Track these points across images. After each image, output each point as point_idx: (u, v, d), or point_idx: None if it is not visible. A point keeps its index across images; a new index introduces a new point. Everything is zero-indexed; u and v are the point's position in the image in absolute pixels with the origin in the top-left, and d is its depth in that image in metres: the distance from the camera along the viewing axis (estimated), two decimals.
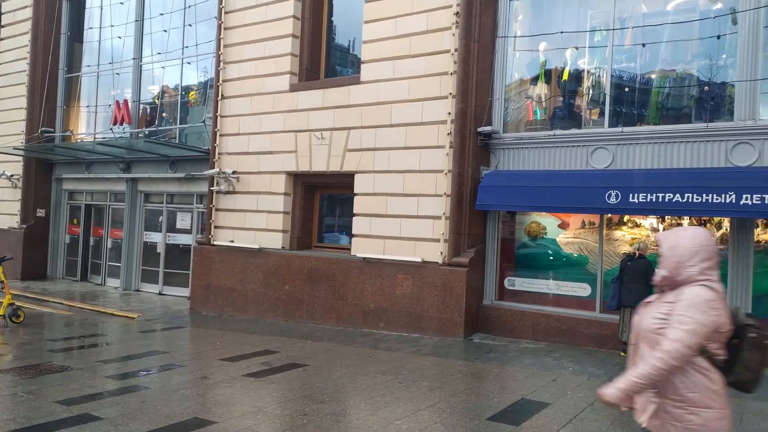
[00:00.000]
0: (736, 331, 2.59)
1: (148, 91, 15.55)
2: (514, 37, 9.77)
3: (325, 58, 11.80)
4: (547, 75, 9.84)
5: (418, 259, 9.64)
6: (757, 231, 7.75)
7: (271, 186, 11.48)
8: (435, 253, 9.53)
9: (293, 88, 11.32)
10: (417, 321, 9.60)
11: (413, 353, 8.23)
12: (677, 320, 2.51)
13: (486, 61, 9.67)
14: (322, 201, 11.85)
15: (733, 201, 7.16)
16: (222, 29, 12.29)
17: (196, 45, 14.03)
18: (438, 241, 9.53)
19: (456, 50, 9.43)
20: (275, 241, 11.37)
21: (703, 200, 7.33)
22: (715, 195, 7.27)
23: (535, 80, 9.96)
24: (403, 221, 9.93)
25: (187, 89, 14.74)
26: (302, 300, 10.86)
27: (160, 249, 14.57)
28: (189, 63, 14.50)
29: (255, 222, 11.64)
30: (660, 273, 2.70)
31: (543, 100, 9.90)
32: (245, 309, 11.55)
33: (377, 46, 10.38)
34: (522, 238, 9.75)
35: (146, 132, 15.03)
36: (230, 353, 8.13)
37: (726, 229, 7.93)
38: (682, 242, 2.64)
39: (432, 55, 9.74)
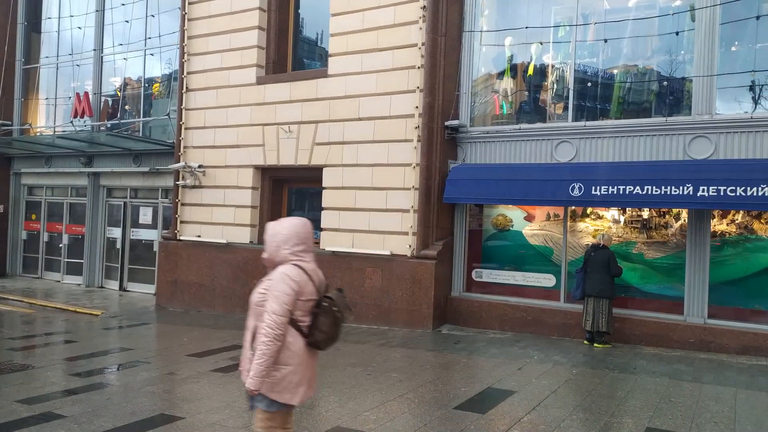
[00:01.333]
0: (318, 302, 3.23)
1: (110, 83, 15.18)
2: (481, 31, 9.87)
3: (292, 51, 11.71)
4: (513, 69, 9.98)
5: (387, 253, 9.68)
6: (714, 222, 8.03)
7: (239, 180, 11.36)
8: (404, 246, 9.59)
9: (260, 81, 11.21)
10: (386, 313, 9.66)
11: (382, 345, 8.28)
12: (270, 295, 3.10)
13: (453, 55, 9.75)
14: (291, 195, 11.79)
15: (691, 193, 7.41)
16: (186, 20, 12.06)
17: (159, 36, 13.75)
18: (406, 234, 9.58)
19: (423, 44, 9.47)
20: (243, 236, 11.26)
21: (662, 192, 7.56)
22: (673, 187, 7.51)
23: (501, 75, 10.08)
24: (372, 215, 9.95)
25: (150, 81, 14.45)
26: None
27: (120, 245, 14.26)
28: (152, 54, 14.20)
29: (222, 216, 11.50)
30: (263, 255, 3.30)
31: (509, 94, 10.04)
32: (213, 304, 11.43)
33: (345, 39, 10.35)
34: (489, 230, 9.89)
35: (108, 125, 14.68)
36: (198, 349, 8.04)
37: (684, 220, 8.20)
38: (281, 230, 3.24)
39: (399, 48, 9.76)
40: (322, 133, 10.51)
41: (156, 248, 13.34)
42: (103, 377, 6.75)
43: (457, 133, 9.80)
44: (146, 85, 14.44)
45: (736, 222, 7.97)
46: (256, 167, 11.25)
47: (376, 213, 9.92)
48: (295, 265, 3.18)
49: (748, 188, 7.12)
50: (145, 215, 14.05)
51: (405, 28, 9.75)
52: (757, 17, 8.03)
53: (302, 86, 10.78)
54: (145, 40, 14.16)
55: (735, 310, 7.85)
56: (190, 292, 11.70)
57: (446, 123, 9.61)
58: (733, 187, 7.19)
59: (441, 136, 9.62)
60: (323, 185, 10.49)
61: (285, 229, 3.24)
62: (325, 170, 10.47)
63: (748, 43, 8.22)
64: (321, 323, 3.21)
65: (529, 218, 9.57)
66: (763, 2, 8.05)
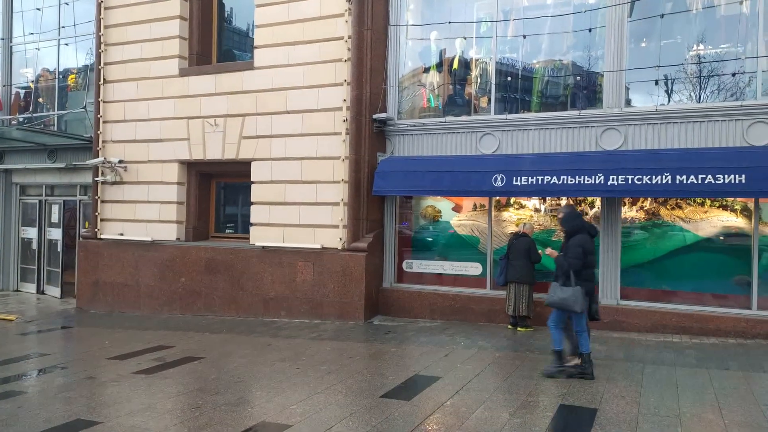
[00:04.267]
0: None
1: (21, 74, 14.27)
2: (406, 25, 9.98)
3: (216, 42, 11.42)
4: (439, 63, 10.16)
5: (318, 246, 9.68)
6: (624, 209, 8.53)
7: (163, 175, 10.99)
8: (334, 239, 9.61)
9: (183, 73, 10.87)
10: (318, 307, 9.66)
11: (313, 339, 8.29)
12: None
13: (380, 48, 9.81)
14: (219, 190, 11.53)
15: (602, 182, 7.83)
16: (102, 8, 11.50)
17: (74, 25, 13.07)
18: (337, 227, 9.61)
19: (350, 37, 9.48)
20: (169, 233, 10.92)
21: (577, 182, 7.95)
22: (586, 177, 7.92)
23: (428, 68, 10.25)
24: (302, 208, 9.90)
25: (66, 73, 13.69)
26: (200, 292, 10.55)
27: (37, 245, 13.51)
28: (67, 44, 13.46)
29: (146, 213, 11.11)
30: None
31: (435, 87, 10.22)
32: (138, 305, 11.04)
33: (270, 30, 10.20)
34: (419, 221, 10.07)
35: (20, 119, 13.82)
36: (120, 351, 7.77)
37: (598, 208, 8.66)
38: None
39: (326, 41, 9.73)
40: (249, 127, 10.33)
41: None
42: (16, 385, 6.40)
43: (385, 126, 9.89)
44: (61, 76, 13.68)
45: (645, 208, 8.50)
46: (182, 162, 10.93)
47: (306, 207, 9.88)
48: None
49: (653, 176, 7.60)
50: (65, 213, 13.35)
51: (331, 20, 9.72)
52: (662, 15, 8.57)
53: (228, 79, 10.55)
54: (59, 28, 13.41)
55: (645, 291, 8.39)
56: (113, 293, 11.25)
57: (374, 116, 9.68)
58: (640, 176, 7.66)
59: (369, 129, 9.68)
60: (252, 179, 10.33)
61: None
62: (253, 164, 10.31)
63: (655, 39, 8.75)
64: None
65: (457, 209, 9.81)
66: (667, 1, 8.60)
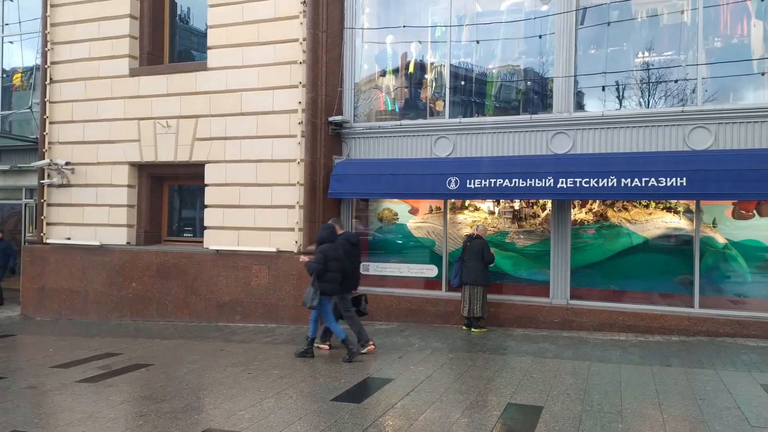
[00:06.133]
0: None
1: None
2: (361, 29, 10.00)
3: (168, 42, 11.19)
4: (395, 67, 10.22)
5: (273, 249, 9.58)
6: (574, 211, 8.74)
7: (113, 178, 10.69)
8: (290, 242, 9.53)
9: (133, 73, 10.61)
10: (273, 311, 9.56)
11: (267, 343, 8.19)
12: None
13: (335, 51, 9.80)
14: (172, 192, 11.28)
15: (552, 185, 8.01)
16: (48, 5, 11.12)
17: (20, 22, 12.61)
18: (293, 230, 9.53)
19: (304, 39, 9.44)
20: (119, 237, 10.63)
21: (527, 184, 8.11)
22: (537, 179, 8.08)
23: (384, 72, 10.29)
24: (257, 211, 9.79)
25: (11, 72, 13.19)
26: (151, 297, 10.29)
27: None
28: (11, 42, 12.97)
29: (95, 217, 10.78)
30: None
31: (392, 90, 10.27)
32: (86, 311, 10.68)
33: (224, 31, 10.07)
34: (375, 224, 10.08)
35: None
36: (64, 359, 7.50)
37: (549, 210, 8.85)
38: None
39: (281, 43, 9.66)
40: (203, 128, 10.16)
41: None
42: None
43: (341, 129, 9.87)
44: (6, 75, 13.17)
45: (593, 211, 8.73)
46: (132, 164, 10.65)
47: (261, 209, 9.77)
48: None
49: (600, 179, 7.82)
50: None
51: (286, 22, 9.66)
52: (608, 23, 8.83)
53: (180, 79, 10.34)
54: (2, 25, 12.90)
55: (594, 291, 8.62)
56: (60, 300, 10.86)
57: (330, 118, 9.66)
58: (588, 179, 7.87)
59: (325, 131, 9.65)
60: (206, 182, 10.15)
61: None
62: (207, 166, 10.14)
63: (603, 47, 9.01)
64: None
65: (414, 212, 9.87)
66: (613, 10, 8.87)
